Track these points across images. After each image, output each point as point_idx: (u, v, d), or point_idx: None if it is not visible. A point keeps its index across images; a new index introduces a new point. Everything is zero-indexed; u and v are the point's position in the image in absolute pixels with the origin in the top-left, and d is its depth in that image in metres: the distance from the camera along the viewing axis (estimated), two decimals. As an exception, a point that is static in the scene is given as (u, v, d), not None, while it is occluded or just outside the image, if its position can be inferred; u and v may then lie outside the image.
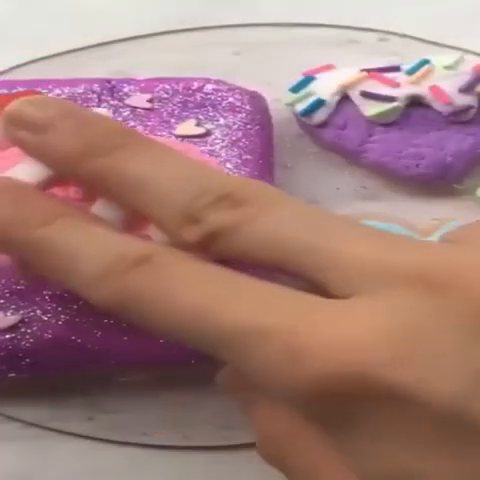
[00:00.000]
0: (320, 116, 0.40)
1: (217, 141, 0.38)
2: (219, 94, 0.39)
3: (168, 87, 0.39)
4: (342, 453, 0.24)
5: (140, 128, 0.38)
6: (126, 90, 0.39)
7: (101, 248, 0.26)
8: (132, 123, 0.38)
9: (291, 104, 0.40)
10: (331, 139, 0.40)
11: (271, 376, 0.23)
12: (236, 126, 0.39)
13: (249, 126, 0.39)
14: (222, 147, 0.38)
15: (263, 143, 0.39)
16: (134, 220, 0.30)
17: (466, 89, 0.39)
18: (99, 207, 0.30)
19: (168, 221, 0.27)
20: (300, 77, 0.41)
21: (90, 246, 0.26)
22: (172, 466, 0.35)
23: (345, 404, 0.23)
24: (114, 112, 0.39)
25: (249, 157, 0.38)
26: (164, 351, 0.33)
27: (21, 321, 0.34)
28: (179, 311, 0.25)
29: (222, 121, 0.39)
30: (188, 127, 0.38)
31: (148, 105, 0.39)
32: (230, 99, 0.39)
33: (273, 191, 0.28)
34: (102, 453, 0.35)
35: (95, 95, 0.39)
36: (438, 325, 0.23)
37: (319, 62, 0.42)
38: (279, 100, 0.41)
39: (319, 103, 0.39)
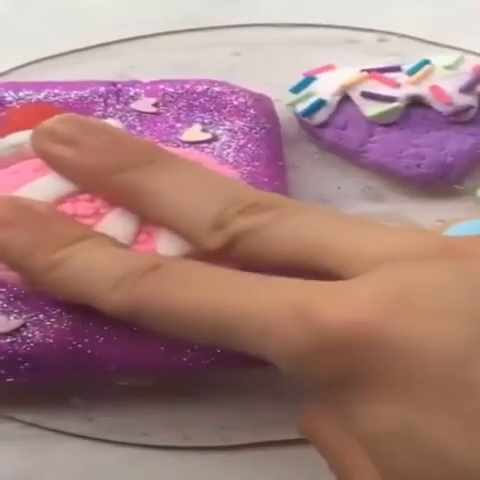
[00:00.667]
0: (321, 116, 0.40)
1: (224, 147, 0.38)
2: (224, 98, 0.39)
3: (173, 90, 0.39)
4: (346, 419, 0.25)
5: (147, 133, 0.38)
6: (132, 94, 0.39)
7: (115, 264, 0.28)
8: (139, 128, 0.38)
9: (292, 104, 0.40)
10: (332, 139, 0.40)
11: (283, 340, 0.25)
12: (242, 131, 0.38)
13: (254, 130, 0.38)
14: (228, 153, 0.38)
15: (270, 147, 0.38)
16: (141, 235, 0.31)
17: (466, 89, 0.39)
18: (108, 222, 0.31)
19: (195, 232, 0.29)
20: (300, 77, 0.41)
21: (105, 264, 0.28)
22: (172, 466, 0.35)
23: (348, 362, 0.24)
24: (120, 117, 0.38)
25: (256, 162, 0.38)
26: (165, 358, 0.33)
27: (23, 325, 0.34)
28: (189, 308, 0.27)
29: (228, 126, 0.38)
30: (194, 133, 0.38)
31: (153, 109, 0.39)
32: (235, 103, 0.39)
33: (295, 201, 0.30)
34: (102, 453, 0.35)
35: (101, 99, 0.39)
36: (438, 284, 0.24)
37: (319, 62, 0.42)
38: (279, 100, 0.41)
39: (320, 103, 0.39)
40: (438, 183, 0.40)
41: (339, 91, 0.40)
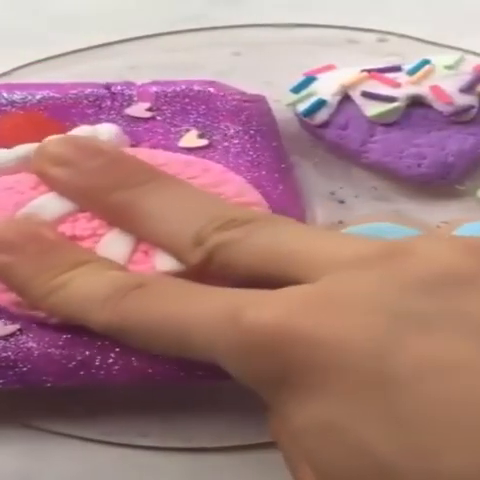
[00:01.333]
0: (322, 116, 0.40)
1: (222, 153, 0.38)
2: (217, 101, 0.39)
3: (166, 93, 0.39)
4: (285, 420, 0.27)
5: (145, 139, 0.38)
6: (126, 96, 0.39)
7: (104, 285, 0.30)
8: (135, 134, 0.38)
9: (292, 104, 0.40)
10: (333, 139, 0.40)
11: (222, 345, 0.27)
12: (237, 135, 0.38)
13: (249, 134, 0.38)
14: (228, 159, 0.38)
15: (269, 149, 0.38)
16: (137, 255, 0.33)
17: (467, 89, 0.39)
18: (105, 244, 0.33)
19: (179, 249, 0.31)
20: (301, 77, 0.41)
21: (96, 286, 0.31)
22: (172, 467, 0.35)
23: (275, 362, 0.26)
24: (115, 122, 0.38)
25: (256, 167, 0.37)
26: (159, 369, 0.33)
27: (19, 330, 0.34)
28: (158, 322, 0.29)
29: (222, 130, 0.38)
30: (191, 139, 0.38)
31: (148, 114, 0.39)
32: (228, 106, 0.39)
33: (271, 215, 0.33)
34: (102, 454, 0.35)
35: (96, 102, 0.39)
36: (362, 286, 0.26)
37: (319, 62, 0.42)
38: (279, 101, 0.41)
39: (320, 103, 0.39)
40: (439, 183, 0.39)
41: (340, 91, 0.40)
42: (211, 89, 0.39)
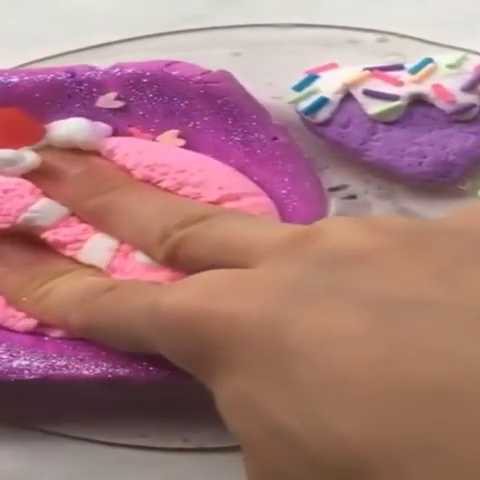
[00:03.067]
0: (324, 114, 0.40)
1: (207, 136, 0.38)
2: (183, 85, 0.38)
3: (130, 76, 0.38)
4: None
5: (123, 127, 0.38)
6: (93, 84, 0.38)
7: (84, 288, 0.34)
8: (113, 123, 0.38)
9: (294, 102, 0.40)
10: (334, 137, 0.40)
11: (151, 331, 0.29)
12: (214, 116, 0.38)
13: (225, 112, 0.38)
14: (214, 142, 0.38)
15: (251, 125, 0.38)
16: (118, 258, 0.36)
17: (469, 88, 0.39)
18: (86, 251, 0.36)
19: (148, 246, 0.34)
20: (303, 76, 0.41)
21: (76, 291, 0.34)
22: (172, 467, 0.35)
23: (194, 342, 0.27)
24: (87, 114, 0.38)
25: (248, 147, 0.38)
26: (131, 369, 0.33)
27: None
28: (123, 321, 0.31)
29: (198, 113, 0.38)
30: (169, 138, 0.38)
31: (119, 104, 0.38)
32: (195, 88, 0.38)
33: (228, 210, 0.35)
34: (102, 454, 0.35)
35: (65, 92, 0.39)
36: (276, 268, 0.28)
37: (319, 63, 0.41)
38: (281, 98, 0.41)
39: (322, 101, 0.39)
40: (440, 181, 0.40)
41: (342, 89, 0.40)
42: (173, 72, 0.38)
